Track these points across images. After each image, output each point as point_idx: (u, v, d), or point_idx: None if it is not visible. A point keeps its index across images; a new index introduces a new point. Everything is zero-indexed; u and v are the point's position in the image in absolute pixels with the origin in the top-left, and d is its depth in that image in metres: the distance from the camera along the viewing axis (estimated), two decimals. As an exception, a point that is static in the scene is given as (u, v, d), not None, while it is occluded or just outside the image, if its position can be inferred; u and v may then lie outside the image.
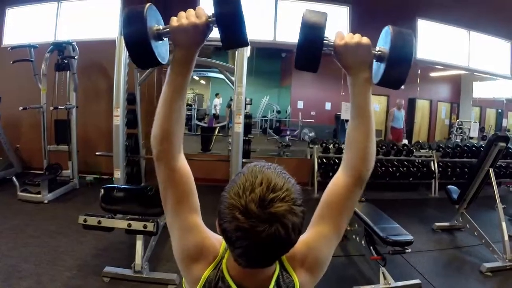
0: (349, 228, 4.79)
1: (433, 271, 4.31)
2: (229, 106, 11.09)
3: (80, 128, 6.86)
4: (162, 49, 1.09)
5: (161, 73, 8.14)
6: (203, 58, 6.52)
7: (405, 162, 7.78)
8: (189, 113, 13.58)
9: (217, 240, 1.11)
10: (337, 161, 7.61)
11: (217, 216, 0.95)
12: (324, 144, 7.81)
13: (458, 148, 8.11)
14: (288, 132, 11.35)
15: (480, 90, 10.54)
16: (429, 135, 10.98)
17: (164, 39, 1.08)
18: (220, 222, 0.93)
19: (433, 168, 7.77)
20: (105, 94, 7.01)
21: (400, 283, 3.77)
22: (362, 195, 4.80)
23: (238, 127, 4.72)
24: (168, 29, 1.04)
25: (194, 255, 1.09)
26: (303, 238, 1.10)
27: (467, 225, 5.07)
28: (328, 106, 11.44)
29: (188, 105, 14.33)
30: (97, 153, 6.00)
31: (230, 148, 5.00)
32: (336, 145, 7.88)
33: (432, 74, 10.01)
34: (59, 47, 6.32)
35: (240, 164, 4.80)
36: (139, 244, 3.71)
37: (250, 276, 1.04)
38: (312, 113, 11.76)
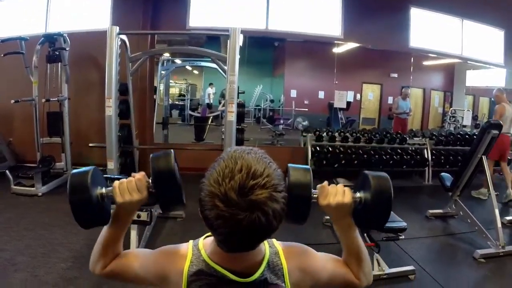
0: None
1: (427, 258, 4.35)
2: (222, 96, 11.08)
3: (72, 120, 6.81)
4: (107, 208, 1.17)
5: (153, 62, 8.12)
6: (195, 47, 6.49)
7: (398, 150, 7.83)
8: (182, 103, 13.56)
9: (179, 244, 1.15)
10: (330, 149, 7.65)
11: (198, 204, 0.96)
12: (317, 133, 7.84)
13: (452, 136, 8.16)
14: (281, 121, 11.37)
15: (473, 78, 10.58)
16: (423, 124, 11.04)
17: (106, 200, 1.15)
18: (201, 209, 0.94)
19: (426, 156, 7.82)
20: (97, 85, 6.96)
21: (394, 270, 3.80)
22: (354, 184, 4.84)
23: (231, 116, 4.69)
24: (110, 197, 1.13)
25: (162, 267, 1.12)
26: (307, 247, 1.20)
27: (460, 212, 5.11)
28: (321, 94, 11.45)
29: (181, 95, 14.32)
30: (90, 145, 5.95)
31: (223, 137, 4.98)
32: (330, 133, 7.92)
33: (425, 63, 10.02)
34: (50, 39, 6.25)
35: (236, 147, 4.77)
36: (133, 235, 3.72)
37: (235, 260, 1.05)
38: (305, 102, 11.77)
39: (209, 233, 1.08)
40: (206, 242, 1.11)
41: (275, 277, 1.08)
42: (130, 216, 1.21)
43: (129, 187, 1.10)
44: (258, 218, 0.88)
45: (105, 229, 1.20)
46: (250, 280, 1.04)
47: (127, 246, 3.63)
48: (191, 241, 1.14)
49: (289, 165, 1.13)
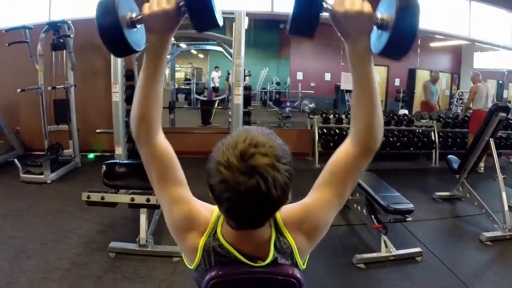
0: (350, 197, 4.84)
1: (434, 240, 4.37)
2: (227, 79, 11.06)
3: (79, 107, 6.84)
4: (137, 36, 1.08)
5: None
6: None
7: (405, 132, 7.81)
8: (188, 87, 13.55)
9: (207, 210, 1.17)
10: (337, 131, 7.67)
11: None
12: (324, 115, 7.83)
13: (459, 118, 8.12)
14: (288, 104, 11.36)
15: (481, 61, 10.47)
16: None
17: (138, 26, 1.07)
18: (208, 180, 0.97)
19: (433, 138, 7.78)
20: (103, 71, 6.95)
21: (401, 251, 3.83)
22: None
23: (238, 99, 4.72)
24: (140, 17, 1.04)
25: (184, 226, 1.13)
26: (303, 201, 1.17)
27: (467, 195, 5.11)
28: (327, 76, 11.43)
29: (187, 79, 14.30)
30: (97, 131, 6.01)
31: (230, 120, 5.00)
32: (337, 115, 7.91)
33: (433, 44, 9.92)
34: (54, 27, 6.24)
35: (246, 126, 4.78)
36: (143, 218, 3.75)
37: (245, 240, 1.09)
38: (311, 84, 11.74)
39: None
40: (225, 219, 1.13)
41: (285, 256, 1.12)
42: (162, 43, 1.07)
43: (158, 0, 1.01)
44: (257, 183, 0.90)
45: (141, 73, 1.11)
46: (264, 264, 1.09)
47: (136, 229, 3.75)
48: (217, 210, 1.15)
49: None
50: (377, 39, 1.03)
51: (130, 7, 1.06)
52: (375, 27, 1.01)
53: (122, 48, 1.05)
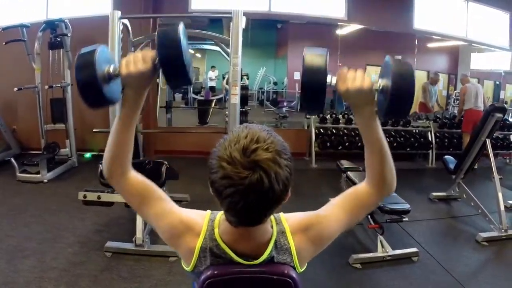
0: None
1: (430, 240, 4.39)
2: (223, 78, 11.07)
3: (76, 106, 6.80)
4: (113, 89, 1.14)
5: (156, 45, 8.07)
6: (198, 30, 6.46)
7: (402, 132, 7.83)
8: (186, 87, 13.54)
9: (198, 215, 1.19)
10: (334, 131, 7.69)
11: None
12: (321, 115, 7.81)
13: (456, 120, 8.14)
14: (285, 104, 11.33)
15: (478, 61, 10.49)
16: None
17: (115, 79, 1.12)
18: (210, 176, 0.99)
19: (430, 139, 7.80)
20: (100, 71, 6.94)
21: (397, 251, 3.84)
22: (359, 166, 4.87)
23: (235, 98, 4.71)
24: (117, 72, 1.10)
25: (178, 232, 1.15)
26: (314, 211, 1.21)
27: (464, 195, 5.11)
28: (325, 77, 11.37)
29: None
30: (94, 130, 5.98)
31: (227, 120, 5.00)
32: (334, 115, 7.93)
33: (430, 45, 9.93)
34: (52, 26, 6.22)
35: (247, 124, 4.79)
36: (139, 218, 3.74)
37: (244, 238, 1.10)
38: (309, 84, 11.70)
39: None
40: (222, 218, 1.15)
41: (283, 257, 1.13)
42: (137, 98, 1.14)
43: (135, 59, 1.08)
44: (260, 177, 0.92)
45: (115, 121, 1.17)
46: (257, 262, 1.10)
47: (133, 229, 3.73)
48: (209, 214, 1.19)
49: (305, 48, 1.12)
50: (381, 103, 1.13)
51: (108, 59, 1.13)
52: (378, 92, 1.12)
53: (98, 101, 1.11)
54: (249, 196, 0.94)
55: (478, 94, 7.48)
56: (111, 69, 1.10)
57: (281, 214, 1.20)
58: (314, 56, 1.10)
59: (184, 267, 1.17)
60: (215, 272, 1.08)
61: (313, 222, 1.18)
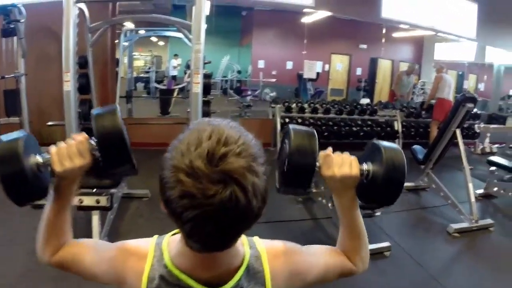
0: (314, 190, 4.71)
1: (402, 233, 4.33)
2: (187, 67, 10.82)
3: (31, 98, 6.36)
4: (44, 179, 0.99)
5: (115, 34, 7.73)
6: (159, 15, 6.18)
7: (368, 122, 7.78)
8: (148, 75, 13.23)
9: (141, 241, 0.96)
10: (299, 121, 7.53)
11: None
12: (286, 104, 7.66)
13: (424, 106, 8.18)
14: (249, 92, 11.23)
15: (442, 52, 10.64)
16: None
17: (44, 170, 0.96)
18: (161, 190, 0.73)
19: (396, 128, 7.76)
20: (56, 59, 6.45)
21: (369, 246, 3.70)
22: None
23: (197, 87, 4.49)
24: (48, 163, 0.94)
25: (118, 265, 0.93)
26: (294, 244, 1.03)
27: (433, 185, 5.06)
28: (289, 65, 11.36)
29: (146, 67, 13.94)
30: (48, 123, 5.64)
31: (188, 110, 4.78)
32: (299, 104, 7.78)
33: (395, 35, 10.02)
34: (4, 11, 5.77)
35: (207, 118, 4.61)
36: (95, 220, 3.46)
37: (207, 264, 0.85)
38: (273, 73, 11.65)
39: (178, 229, 0.86)
40: (172, 240, 0.91)
41: (255, 283, 0.89)
42: (72, 186, 1.01)
43: (69, 152, 0.92)
44: (234, 193, 0.68)
45: (47, 206, 1.01)
46: None
47: (89, 231, 3.41)
48: (155, 238, 0.94)
49: (290, 126, 1.02)
50: (365, 188, 1.02)
51: (34, 146, 0.97)
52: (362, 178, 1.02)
53: (27, 198, 0.96)
54: (219, 219, 0.69)
55: (451, 85, 7.66)
56: (40, 160, 0.94)
57: (255, 238, 0.97)
58: (303, 136, 0.99)
59: None
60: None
61: (292, 251, 0.99)
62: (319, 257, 1.05)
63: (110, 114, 0.99)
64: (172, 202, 0.70)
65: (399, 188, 1.00)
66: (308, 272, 0.99)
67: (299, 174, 0.98)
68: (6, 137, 0.92)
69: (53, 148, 0.93)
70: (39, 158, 0.94)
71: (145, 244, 0.92)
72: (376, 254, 3.73)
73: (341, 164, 0.97)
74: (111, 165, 1.01)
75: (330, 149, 0.99)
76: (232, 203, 0.68)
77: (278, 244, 0.99)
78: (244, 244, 0.92)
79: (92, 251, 1.00)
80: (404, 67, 10.61)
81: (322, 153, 0.99)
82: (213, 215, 0.68)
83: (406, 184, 5.38)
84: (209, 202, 0.67)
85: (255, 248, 0.93)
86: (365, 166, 1.01)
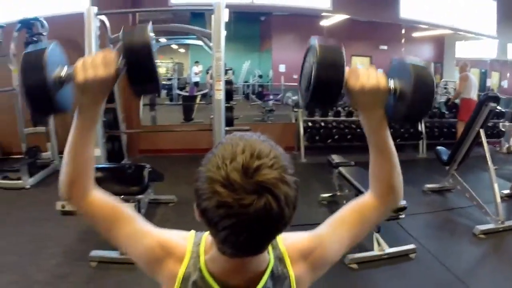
0: (339, 193, 4.74)
1: (427, 235, 4.31)
2: (207, 73, 10.94)
3: (56, 107, 6.63)
4: (65, 95, 0.98)
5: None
6: (179, 24, 6.29)
7: (392, 123, 7.73)
8: (170, 83, 13.38)
9: (179, 237, 1.00)
10: (322, 125, 7.55)
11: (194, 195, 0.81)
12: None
13: (449, 103, 8.10)
14: (271, 97, 11.24)
15: (464, 50, 10.49)
16: (413, 95, 10.96)
17: (67, 84, 0.95)
18: (198, 202, 0.79)
19: (420, 129, 7.71)
20: (81, 70, 6.76)
21: (394, 249, 3.73)
22: (350, 160, 4.77)
23: (219, 94, 4.58)
24: (70, 77, 0.93)
25: (154, 258, 0.97)
26: (315, 232, 1.04)
27: (458, 186, 5.04)
28: (311, 68, 11.30)
29: (168, 74, 14.11)
30: (74, 132, 5.80)
31: (212, 116, 4.86)
32: (322, 108, 7.78)
33: (415, 34, 9.92)
34: (27, 25, 6.01)
35: (223, 132, 4.67)
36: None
37: (238, 269, 0.90)
38: (294, 76, 11.61)
39: None
40: (209, 241, 0.95)
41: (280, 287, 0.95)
42: (94, 107, 0.99)
43: (94, 62, 0.91)
44: (268, 203, 0.73)
45: (70, 132, 1.01)
46: None
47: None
48: (193, 236, 0.99)
49: (313, 40, 0.98)
50: (392, 107, 1.00)
51: (60, 59, 0.97)
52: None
53: (48, 110, 1.00)
54: (254, 227, 0.75)
55: (476, 85, 7.53)
56: (63, 73, 0.93)
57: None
58: (329, 48, 0.95)
59: None
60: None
61: (315, 245, 1.01)
62: (342, 233, 1.05)
63: (141, 28, 0.99)
64: (209, 212, 0.76)
65: (429, 104, 0.97)
66: (333, 257, 1.04)
67: (328, 89, 0.95)
68: (34, 46, 0.94)
69: (79, 60, 0.93)
70: (63, 70, 0.94)
71: (184, 243, 0.97)
72: (401, 257, 3.74)
73: (369, 76, 0.94)
74: (136, 80, 0.98)
75: (356, 64, 0.97)
76: (266, 211, 0.73)
77: (300, 241, 1.02)
78: (269, 248, 0.97)
79: (133, 225, 1.03)
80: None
81: (348, 68, 0.97)
82: (248, 223, 0.74)
83: (431, 185, 5.43)
84: (245, 211, 0.73)
85: (278, 248, 0.98)
86: (392, 84, 0.97)
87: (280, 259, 0.97)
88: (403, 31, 9.22)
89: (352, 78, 0.94)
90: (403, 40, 9.45)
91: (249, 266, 0.91)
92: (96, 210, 1.03)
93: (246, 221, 0.74)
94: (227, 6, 4.82)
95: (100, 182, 3.15)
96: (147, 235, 1.00)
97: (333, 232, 1.04)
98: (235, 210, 0.73)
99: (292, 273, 0.96)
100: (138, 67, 0.95)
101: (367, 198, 1.09)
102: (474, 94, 7.41)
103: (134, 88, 1.00)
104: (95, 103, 0.98)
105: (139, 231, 1.01)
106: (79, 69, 0.91)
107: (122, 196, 3.56)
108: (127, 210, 1.04)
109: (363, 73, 0.94)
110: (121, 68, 0.94)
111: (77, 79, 0.91)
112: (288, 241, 1.00)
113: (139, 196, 3.73)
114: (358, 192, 3.92)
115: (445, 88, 9.78)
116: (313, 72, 0.93)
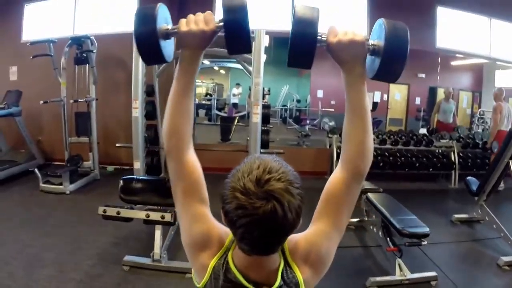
0: (366, 219, 4.80)
1: (450, 264, 4.28)
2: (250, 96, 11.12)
3: (100, 120, 6.96)
4: (169, 48, 1.15)
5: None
6: (220, 48, 6.54)
7: (425, 153, 7.71)
8: (209, 103, 13.64)
9: (224, 232, 1.17)
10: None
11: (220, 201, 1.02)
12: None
13: (488, 142, 7.95)
14: (308, 121, 11.30)
15: (503, 79, 10.29)
16: (450, 125, 10.79)
17: (171, 38, 1.13)
18: (223, 205, 1.00)
19: (453, 159, 7.65)
20: (124, 86, 7.06)
21: (416, 275, 3.75)
22: (379, 187, 4.81)
23: (256, 117, 4.73)
24: (176, 31, 1.09)
25: (200, 244, 1.16)
26: (304, 234, 1.19)
27: (486, 218, 4.99)
28: (348, 95, 11.30)
29: (208, 94, 14.40)
30: (117, 145, 6.07)
31: (248, 138, 5.02)
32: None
33: (453, 63, 9.81)
34: (78, 42, 6.41)
35: (258, 154, 4.78)
36: (157, 234, 3.79)
37: (255, 267, 1.10)
38: (332, 102, 11.66)
39: None
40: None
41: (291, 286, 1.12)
42: (195, 59, 1.14)
43: (196, 18, 1.08)
44: (274, 207, 0.93)
45: (173, 84, 1.15)
46: None
47: (151, 244, 3.77)
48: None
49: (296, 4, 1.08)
50: (371, 64, 1.11)
51: (165, 18, 1.12)
52: (368, 54, 1.10)
53: (155, 57, 1.12)
54: (263, 225, 0.95)
55: (510, 114, 7.26)
56: (169, 27, 1.10)
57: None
58: (306, 10, 1.06)
59: (195, 281, 1.18)
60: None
61: (309, 246, 1.17)
62: (323, 227, 1.18)
63: None
64: (230, 213, 0.98)
65: (402, 58, 1.04)
66: (327, 251, 1.18)
67: (302, 44, 1.05)
68: (146, 5, 1.08)
69: (182, 19, 1.09)
70: (168, 25, 1.10)
71: (224, 239, 1.16)
72: (422, 283, 3.75)
73: (346, 32, 1.07)
74: (232, 39, 1.08)
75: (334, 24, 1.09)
76: (272, 214, 0.94)
77: (297, 246, 1.17)
78: (279, 252, 1.14)
79: (206, 208, 1.20)
80: (463, 95, 10.42)
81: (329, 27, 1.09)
82: (258, 222, 0.95)
83: (459, 216, 5.41)
84: (256, 212, 0.93)
85: (285, 251, 1.16)
86: (370, 41, 1.08)
87: (287, 262, 1.15)
88: (439, 60, 9.19)
89: (331, 34, 1.08)
90: (438, 69, 9.41)
91: (265, 264, 1.11)
92: (188, 171, 1.19)
93: (257, 220, 0.94)
94: (267, 32, 5.00)
95: (139, 192, 3.39)
96: (208, 221, 1.19)
97: (319, 228, 1.18)
98: (249, 211, 0.94)
99: (300, 276, 1.13)
100: (235, 27, 1.06)
101: (337, 176, 1.19)
102: (508, 125, 7.13)
103: (229, 47, 1.10)
104: (194, 56, 1.14)
105: (204, 216, 1.19)
106: (183, 23, 1.08)
107: (160, 206, 3.82)
108: (205, 190, 1.22)
109: (341, 30, 1.08)
110: (219, 26, 1.07)
111: (182, 30, 1.08)
112: (290, 245, 1.17)
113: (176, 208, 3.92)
114: (385, 219, 4.00)
115: (482, 118, 9.62)
116: (291, 28, 1.05)
